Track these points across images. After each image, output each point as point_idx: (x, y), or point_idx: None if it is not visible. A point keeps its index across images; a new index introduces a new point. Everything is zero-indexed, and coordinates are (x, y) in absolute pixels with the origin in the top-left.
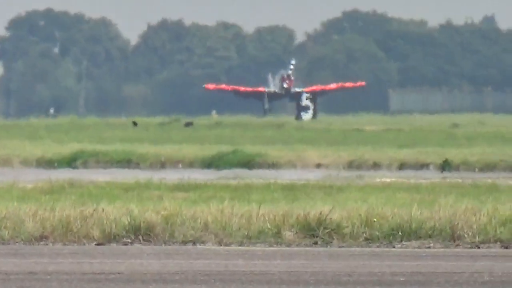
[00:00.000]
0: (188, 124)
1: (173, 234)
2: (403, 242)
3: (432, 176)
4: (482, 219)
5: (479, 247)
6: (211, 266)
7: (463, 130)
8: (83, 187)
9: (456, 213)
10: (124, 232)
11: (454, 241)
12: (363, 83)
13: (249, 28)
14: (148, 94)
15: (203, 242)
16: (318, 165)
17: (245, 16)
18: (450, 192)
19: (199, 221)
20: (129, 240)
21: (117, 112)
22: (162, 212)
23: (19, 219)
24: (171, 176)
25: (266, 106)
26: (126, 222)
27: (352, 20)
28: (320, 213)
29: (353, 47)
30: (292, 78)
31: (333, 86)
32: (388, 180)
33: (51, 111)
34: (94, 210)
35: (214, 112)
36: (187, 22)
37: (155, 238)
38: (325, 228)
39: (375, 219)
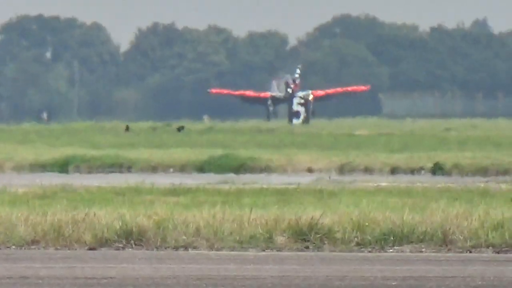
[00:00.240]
0: (180, 129)
1: (165, 238)
2: (395, 247)
3: (424, 180)
4: (474, 224)
5: (471, 252)
6: (203, 270)
7: (455, 134)
8: (75, 191)
9: (448, 218)
10: (116, 237)
11: (446, 245)
12: (367, 87)
13: (240, 32)
14: (139, 99)
15: (195, 247)
16: (310, 170)
17: (236, 21)
18: (442, 197)
19: (191, 225)
20: (121, 245)
21: (109, 116)
22: (154, 217)
23: (10, 224)
24: (163, 180)
25: (271, 110)
26: (118, 227)
27: (344, 25)
28: (312, 218)
29: (344, 51)
30: (298, 82)
31: (338, 90)
32: (381, 184)
33: (44, 115)
34: (85, 215)
35: (205, 116)
36: (179, 26)
37: (147, 243)
38: (316, 232)
39: (367, 224)
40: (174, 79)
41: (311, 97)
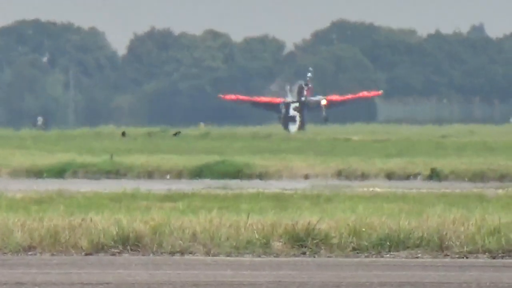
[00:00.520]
0: (176, 134)
1: (161, 244)
2: (391, 252)
3: (420, 186)
4: (470, 229)
5: (467, 257)
6: (199, 276)
7: (451, 140)
8: (71, 197)
9: (444, 223)
10: (112, 242)
11: (442, 251)
12: (380, 92)
13: (237, 38)
14: (135, 104)
15: (191, 253)
16: (306, 175)
17: (233, 26)
18: (438, 202)
19: (187, 231)
20: (117, 250)
21: (106, 122)
22: (151, 222)
23: (7, 229)
24: (159, 186)
25: (282, 115)
26: (114, 232)
27: (340, 30)
28: (308, 223)
29: (341, 57)
30: (310, 87)
31: (351, 96)
32: (377, 189)
33: (39, 121)
34: (82, 220)
35: (201, 123)
36: (175, 31)
37: (143, 248)
38: (313, 238)
39: (363, 229)
40: (170, 85)
41: (324, 102)
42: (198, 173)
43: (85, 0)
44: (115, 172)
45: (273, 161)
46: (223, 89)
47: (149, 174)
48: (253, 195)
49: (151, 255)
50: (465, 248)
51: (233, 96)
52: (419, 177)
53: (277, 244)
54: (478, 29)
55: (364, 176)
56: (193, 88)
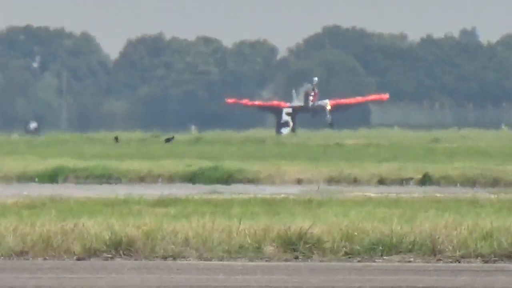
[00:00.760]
0: (168, 140)
1: (153, 249)
2: (384, 257)
3: (412, 191)
4: (463, 234)
5: (459, 262)
6: (192, 281)
7: (444, 145)
8: (63, 202)
9: (436, 228)
10: (104, 247)
11: (435, 255)
12: (386, 95)
13: (229, 43)
14: (128, 109)
15: (183, 257)
16: (299, 180)
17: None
18: (431, 207)
19: (179, 236)
20: (109, 255)
21: (98, 127)
22: (143, 227)
23: None
24: (152, 191)
25: (285, 120)
26: (107, 237)
27: (332, 36)
28: (301, 228)
29: (333, 62)
30: (317, 91)
31: (358, 99)
32: (370, 194)
33: (31, 126)
34: (74, 225)
35: (193, 127)
36: (168, 36)
37: (135, 253)
38: (305, 242)
39: (355, 234)
40: (163, 90)
41: (328, 106)
42: (190, 178)
43: (77, 5)
44: (108, 177)
45: (266, 166)
46: (215, 94)
47: (142, 179)
48: (245, 200)
49: (143, 259)
50: (457, 253)
51: (237, 101)
52: (411, 182)
53: (269, 249)
54: (469, 34)
55: (356, 181)
56: (186, 93)
